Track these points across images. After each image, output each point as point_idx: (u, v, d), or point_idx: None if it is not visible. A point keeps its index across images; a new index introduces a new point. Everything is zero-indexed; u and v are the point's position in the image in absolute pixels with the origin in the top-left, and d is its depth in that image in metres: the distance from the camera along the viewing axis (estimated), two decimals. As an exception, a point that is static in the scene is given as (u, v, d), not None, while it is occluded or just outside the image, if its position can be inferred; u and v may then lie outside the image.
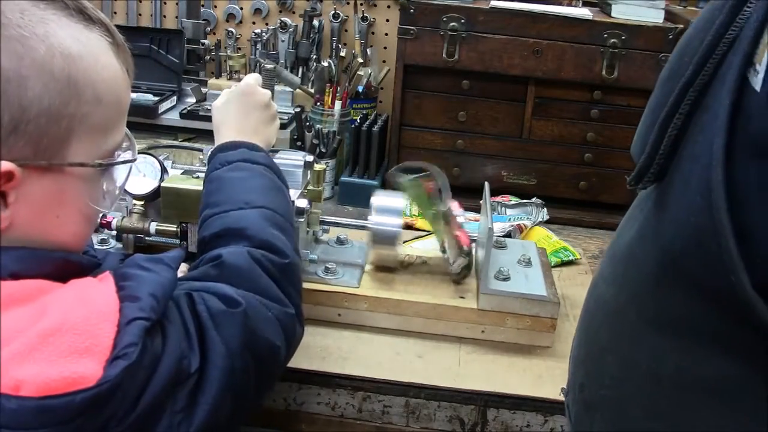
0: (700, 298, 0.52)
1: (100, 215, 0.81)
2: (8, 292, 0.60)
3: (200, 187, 0.99)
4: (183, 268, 0.92)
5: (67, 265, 0.67)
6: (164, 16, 1.89)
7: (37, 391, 0.55)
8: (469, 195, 1.37)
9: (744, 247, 0.46)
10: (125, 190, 1.04)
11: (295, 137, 1.53)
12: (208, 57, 1.80)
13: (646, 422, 0.58)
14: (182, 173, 1.07)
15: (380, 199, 1.12)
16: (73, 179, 0.66)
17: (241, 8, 1.87)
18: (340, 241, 1.19)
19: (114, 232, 1.07)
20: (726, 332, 0.51)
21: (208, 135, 1.56)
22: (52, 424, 0.55)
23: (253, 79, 1.03)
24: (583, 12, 1.52)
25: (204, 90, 1.71)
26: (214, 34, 1.87)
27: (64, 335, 0.57)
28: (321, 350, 1.01)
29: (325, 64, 1.62)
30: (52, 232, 0.66)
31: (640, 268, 0.59)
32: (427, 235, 1.33)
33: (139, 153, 1.07)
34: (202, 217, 0.87)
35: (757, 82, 0.46)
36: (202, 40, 1.76)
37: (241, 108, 1.00)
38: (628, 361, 0.59)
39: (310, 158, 1.10)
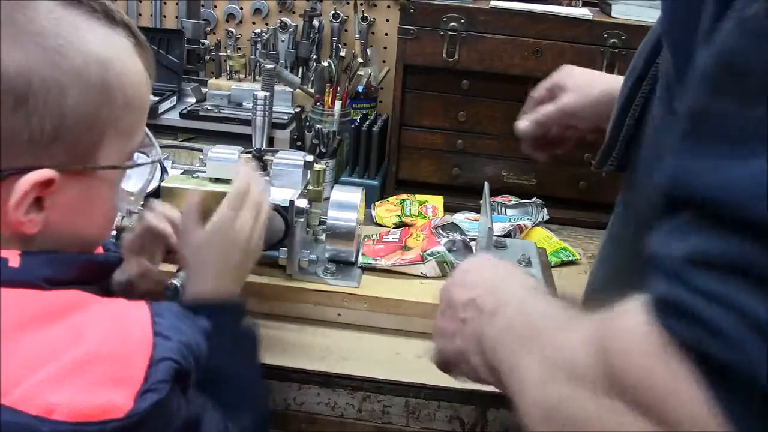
0: None
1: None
2: (44, 307, 0.60)
3: (200, 187, 0.99)
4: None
5: (93, 266, 0.69)
6: (164, 16, 1.89)
7: (70, 416, 0.55)
8: (469, 195, 1.37)
9: None
10: (125, 189, 1.05)
11: (295, 137, 1.53)
12: (208, 57, 1.80)
13: None
14: (182, 173, 1.07)
15: (336, 194, 1.13)
16: (101, 182, 0.68)
17: (241, 8, 1.87)
18: (340, 241, 1.19)
19: (114, 232, 1.07)
20: None
21: (208, 135, 1.57)
22: None
23: (245, 183, 0.91)
24: (583, 12, 1.52)
25: (204, 90, 1.71)
26: (214, 34, 1.87)
27: (100, 363, 0.58)
28: (321, 350, 1.01)
29: (325, 64, 1.62)
30: (78, 234, 0.68)
31: (620, 245, 0.64)
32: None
33: (139, 153, 1.07)
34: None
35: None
36: (202, 40, 1.76)
37: (222, 251, 0.88)
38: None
39: (310, 158, 1.10)
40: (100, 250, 0.76)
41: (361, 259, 1.14)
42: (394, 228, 1.35)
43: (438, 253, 1.13)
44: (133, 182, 1.04)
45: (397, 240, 1.21)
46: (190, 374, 0.65)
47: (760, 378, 0.36)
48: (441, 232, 1.22)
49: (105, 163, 0.67)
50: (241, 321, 0.87)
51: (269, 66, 1.58)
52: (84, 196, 0.67)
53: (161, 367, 0.60)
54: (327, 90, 1.60)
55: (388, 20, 1.82)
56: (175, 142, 1.53)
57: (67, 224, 0.66)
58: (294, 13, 1.84)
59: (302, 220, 1.07)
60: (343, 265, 1.12)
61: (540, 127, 1.05)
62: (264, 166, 1.08)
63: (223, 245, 0.88)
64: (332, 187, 1.16)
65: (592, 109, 0.97)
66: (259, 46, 1.77)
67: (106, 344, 0.59)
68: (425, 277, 1.12)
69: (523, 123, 1.08)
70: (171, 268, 1.01)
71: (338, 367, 0.98)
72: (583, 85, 1.00)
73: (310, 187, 1.10)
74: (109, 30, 0.66)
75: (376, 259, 1.14)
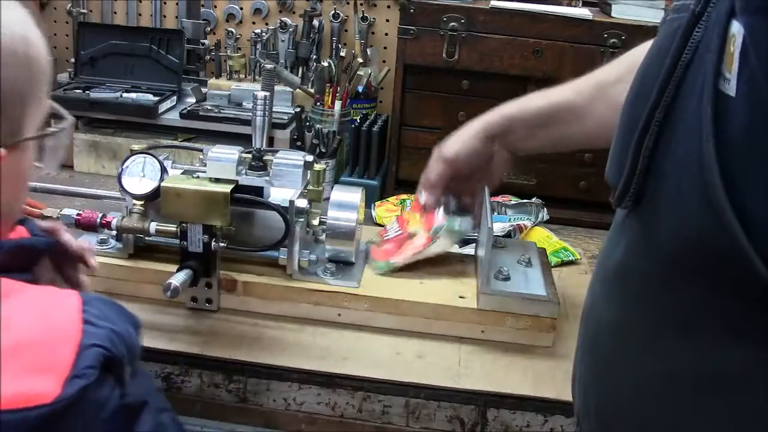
0: (709, 291, 0.54)
1: None
2: None
3: (200, 187, 0.99)
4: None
5: (21, 251, 0.69)
6: (164, 16, 1.89)
7: None
8: (469, 195, 1.37)
9: (749, 236, 0.49)
10: (125, 189, 1.05)
11: (295, 137, 1.53)
12: (208, 57, 1.80)
13: (671, 426, 0.59)
14: (182, 173, 1.07)
15: (336, 194, 1.13)
16: (25, 153, 0.68)
17: (241, 8, 1.87)
18: (340, 241, 1.19)
19: (114, 232, 1.07)
20: (743, 320, 0.53)
21: (208, 135, 1.57)
22: None
23: None
24: (583, 12, 1.52)
25: (204, 90, 1.71)
26: (214, 34, 1.87)
27: (28, 351, 0.58)
28: (321, 350, 1.01)
29: (325, 64, 1.62)
30: (8, 209, 0.68)
31: (640, 277, 0.61)
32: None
33: (139, 153, 1.07)
34: None
35: (730, 89, 0.51)
36: (202, 40, 1.76)
37: None
38: (644, 371, 0.61)
39: (310, 158, 1.10)
40: (25, 233, 0.75)
41: (375, 267, 1.13)
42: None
43: (442, 226, 1.12)
44: (134, 182, 1.05)
45: (400, 231, 1.20)
46: (123, 362, 0.65)
47: None
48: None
49: (30, 135, 0.68)
50: None
51: (269, 66, 1.58)
52: (16, 169, 0.68)
53: (89, 354, 0.60)
54: (327, 90, 1.60)
55: (388, 20, 1.82)
56: (175, 142, 1.53)
57: (4, 199, 0.67)
58: (294, 13, 1.84)
59: (302, 220, 1.07)
60: (343, 265, 1.12)
61: (438, 186, 1.13)
62: (264, 166, 1.08)
63: None
64: (332, 187, 1.16)
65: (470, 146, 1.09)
66: (259, 46, 1.77)
67: (34, 332, 0.60)
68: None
69: (423, 196, 1.15)
70: (171, 268, 1.01)
71: (338, 367, 0.98)
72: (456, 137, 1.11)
73: (310, 187, 1.10)
74: (17, 3, 0.67)
75: (391, 262, 1.13)
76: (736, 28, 0.50)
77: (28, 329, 0.60)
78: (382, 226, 1.44)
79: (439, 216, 1.13)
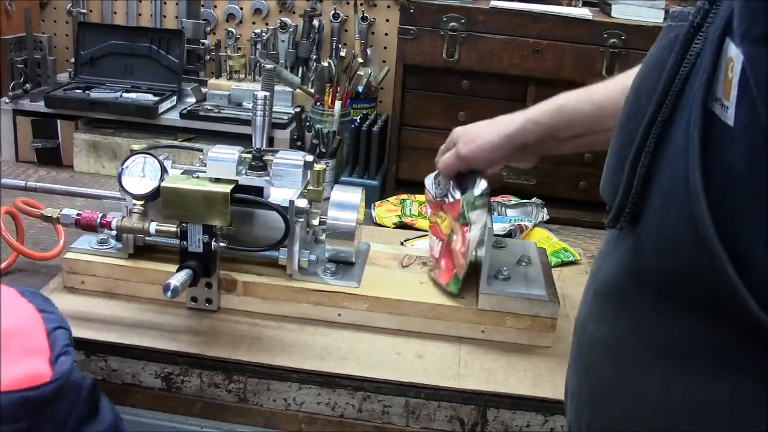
0: (699, 320, 0.52)
1: None
2: None
3: (200, 187, 0.99)
4: None
5: None
6: (164, 16, 1.89)
7: (12, 385, 0.60)
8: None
9: (742, 271, 0.47)
10: (125, 189, 1.05)
11: (295, 137, 1.54)
12: (208, 57, 1.80)
13: None
14: (182, 173, 1.07)
15: (336, 194, 1.13)
16: None
17: (241, 8, 1.87)
18: (340, 241, 1.19)
19: (114, 232, 1.07)
20: (736, 353, 0.50)
21: (208, 135, 1.57)
22: (27, 414, 0.60)
23: None
24: (583, 12, 1.52)
25: (204, 90, 1.71)
26: (214, 34, 1.87)
27: (12, 339, 0.62)
28: (321, 350, 1.01)
29: (325, 64, 1.62)
30: None
31: (633, 301, 0.59)
32: (426, 235, 1.33)
33: (139, 153, 1.07)
34: None
35: (728, 117, 0.48)
36: (202, 40, 1.76)
37: None
38: (636, 394, 0.59)
39: (310, 158, 1.10)
40: None
41: (450, 289, 1.07)
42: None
43: (462, 207, 1.04)
44: (135, 182, 1.05)
45: (440, 242, 1.13)
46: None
47: None
48: (439, 187, 1.14)
49: None
50: None
51: (269, 66, 1.58)
52: None
53: (58, 335, 0.65)
54: (327, 90, 1.60)
55: (388, 20, 1.82)
56: (175, 142, 1.53)
57: None
58: (294, 13, 1.84)
59: (302, 220, 1.07)
60: (343, 265, 1.12)
61: (450, 177, 1.10)
62: (264, 166, 1.08)
63: None
64: (332, 187, 1.16)
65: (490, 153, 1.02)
66: (259, 46, 1.77)
67: (11, 321, 0.64)
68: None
69: (431, 189, 1.12)
70: (171, 268, 1.01)
71: (338, 367, 0.98)
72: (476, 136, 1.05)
73: (310, 187, 1.10)
74: None
75: (457, 276, 1.07)
76: (734, 53, 0.48)
77: (8, 319, 0.64)
78: (383, 226, 1.44)
79: (456, 195, 1.07)
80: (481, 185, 1.04)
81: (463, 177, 1.08)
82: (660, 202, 0.54)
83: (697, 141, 0.49)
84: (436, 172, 1.13)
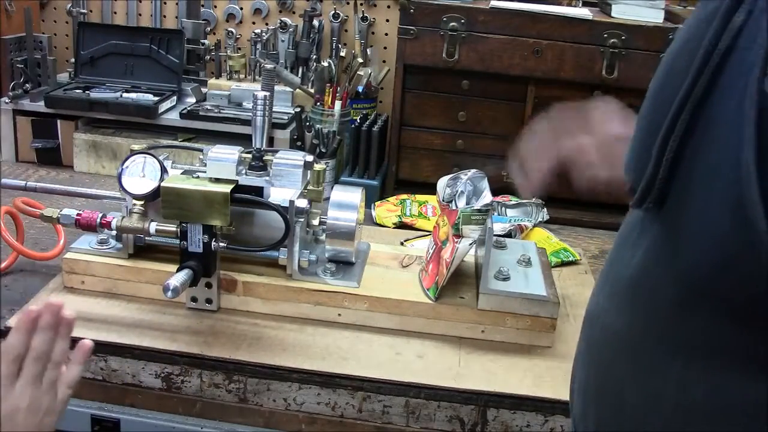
0: (729, 318, 0.49)
1: None
2: None
3: (200, 187, 0.99)
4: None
5: None
6: (164, 16, 1.89)
7: None
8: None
9: None
10: (125, 189, 1.05)
11: (295, 137, 1.54)
12: (208, 57, 1.80)
13: None
14: (182, 173, 1.07)
15: (336, 194, 1.13)
16: None
17: (241, 8, 1.87)
18: (340, 241, 1.19)
19: (114, 232, 1.07)
20: (760, 353, 0.48)
21: (208, 135, 1.57)
22: None
23: None
24: (583, 12, 1.52)
25: (204, 90, 1.71)
26: (214, 34, 1.87)
27: None
28: (321, 350, 1.01)
29: (325, 64, 1.62)
30: None
31: (654, 295, 0.56)
32: (427, 235, 1.33)
33: (139, 153, 1.07)
34: None
35: None
36: (202, 40, 1.76)
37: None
38: (651, 394, 0.56)
39: (310, 158, 1.10)
40: None
41: (428, 294, 1.07)
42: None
43: (458, 218, 1.02)
44: (135, 182, 1.05)
45: (434, 246, 1.13)
46: None
47: None
48: (449, 189, 1.11)
49: None
50: None
51: (269, 66, 1.58)
52: None
53: None
54: (327, 90, 1.60)
55: (388, 20, 1.82)
56: (175, 142, 1.53)
57: None
58: (294, 13, 1.84)
59: (302, 220, 1.07)
60: (343, 265, 1.12)
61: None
62: (264, 166, 1.08)
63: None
64: (332, 187, 1.16)
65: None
66: (259, 46, 1.77)
67: None
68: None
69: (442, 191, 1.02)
70: (171, 268, 1.01)
71: (338, 367, 0.98)
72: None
73: (310, 187, 1.10)
74: None
75: (438, 281, 1.07)
76: None
77: None
78: (383, 226, 1.44)
79: (459, 203, 1.06)
80: (484, 199, 1.04)
81: (479, 180, 1.08)
82: (698, 185, 0.50)
83: (752, 119, 0.45)
84: (452, 175, 1.11)
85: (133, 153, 1.06)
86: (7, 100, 1.60)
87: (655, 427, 0.56)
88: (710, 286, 0.50)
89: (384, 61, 1.82)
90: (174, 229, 1.02)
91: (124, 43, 1.69)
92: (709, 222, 0.49)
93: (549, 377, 0.99)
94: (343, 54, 1.64)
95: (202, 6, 1.86)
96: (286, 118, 1.59)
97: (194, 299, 1.07)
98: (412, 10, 1.46)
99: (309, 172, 1.10)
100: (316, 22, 1.79)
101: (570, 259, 1.33)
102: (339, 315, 1.07)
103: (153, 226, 1.03)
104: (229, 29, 1.81)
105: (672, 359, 0.54)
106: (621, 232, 0.64)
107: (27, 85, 1.63)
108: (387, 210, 1.48)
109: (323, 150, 1.51)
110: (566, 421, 0.95)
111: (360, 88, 1.68)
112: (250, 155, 1.08)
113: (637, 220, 0.60)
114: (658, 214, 0.55)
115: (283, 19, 1.81)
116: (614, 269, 0.63)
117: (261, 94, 1.09)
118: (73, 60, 1.74)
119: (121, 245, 1.10)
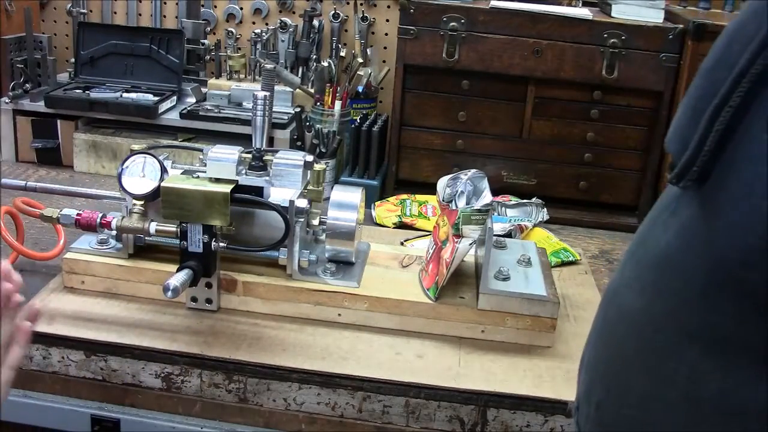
0: (756, 313, 0.47)
1: None
2: None
3: (200, 187, 0.99)
4: None
5: None
6: (164, 16, 1.89)
7: None
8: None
9: None
10: (125, 189, 1.05)
11: (295, 137, 1.54)
12: (208, 57, 1.80)
13: None
14: (182, 173, 1.07)
15: (336, 194, 1.13)
16: None
17: (241, 8, 1.87)
18: (340, 241, 1.19)
19: (114, 232, 1.07)
20: None
21: (208, 135, 1.57)
22: None
23: None
24: (583, 12, 1.52)
25: (204, 90, 1.71)
26: (214, 34, 1.87)
27: None
28: (321, 350, 1.01)
29: (325, 64, 1.62)
30: None
31: (682, 277, 0.53)
32: (427, 235, 1.33)
33: (139, 153, 1.07)
34: None
35: None
36: (202, 40, 1.76)
37: None
38: (661, 379, 0.54)
39: (310, 158, 1.10)
40: None
41: (428, 294, 1.07)
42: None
43: (458, 218, 1.02)
44: (135, 182, 1.05)
45: (434, 246, 1.13)
46: None
47: None
48: (449, 189, 1.11)
49: None
50: None
51: (269, 66, 1.58)
52: None
53: None
54: (327, 90, 1.60)
55: (388, 20, 1.82)
56: (175, 142, 1.53)
57: None
58: (294, 13, 1.84)
59: (302, 220, 1.07)
60: (343, 265, 1.12)
61: None
62: (264, 166, 1.08)
63: None
64: (332, 187, 1.16)
65: None
66: (259, 46, 1.77)
67: None
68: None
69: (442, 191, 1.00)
70: (171, 268, 1.01)
71: (338, 367, 0.98)
72: None
73: (310, 187, 1.10)
74: None
75: (438, 281, 1.07)
76: None
77: None
78: (383, 226, 1.44)
79: (459, 203, 1.06)
80: (484, 199, 1.04)
81: (479, 180, 1.08)
82: (745, 165, 0.47)
83: None
84: (452, 175, 1.11)
85: (133, 153, 1.06)
86: (7, 100, 1.60)
87: (656, 417, 0.55)
88: (740, 276, 0.47)
89: (384, 61, 1.82)
90: (174, 229, 1.02)
91: (124, 43, 1.69)
92: (749, 206, 0.46)
93: (549, 377, 0.99)
94: (343, 54, 1.64)
95: (202, 6, 1.86)
96: (286, 118, 1.59)
97: (194, 299, 1.07)
98: (412, 10, 1.46)
99: (309, 172, 1.10)
100: (316, 22, 1.79)
101: (570, 259, 1.33)
102: (339, 315, 1.07)
103: (153, 226, 1.03)
104: (229, 29, 1.81)
105: (688, 346, 0.52)
106: (654, 209, 0.61)
107: (27, 85, 1.63)
108: (387, 210, 1.48)
109: (323, 150, 1.51)
110: (566, 421, 0.95)
111: (360, 88, 1.68)
112: (250, 155, 1.09)
113: (672, 198, 0.57)
114: (696, 192, 0.52)
115: (283, 19, 1.81)
116: (641, 246, 0.60)
117: (261, 94, 1.09)
118: (73, 60, 1.74)
119: (121, 245, 1.10)
